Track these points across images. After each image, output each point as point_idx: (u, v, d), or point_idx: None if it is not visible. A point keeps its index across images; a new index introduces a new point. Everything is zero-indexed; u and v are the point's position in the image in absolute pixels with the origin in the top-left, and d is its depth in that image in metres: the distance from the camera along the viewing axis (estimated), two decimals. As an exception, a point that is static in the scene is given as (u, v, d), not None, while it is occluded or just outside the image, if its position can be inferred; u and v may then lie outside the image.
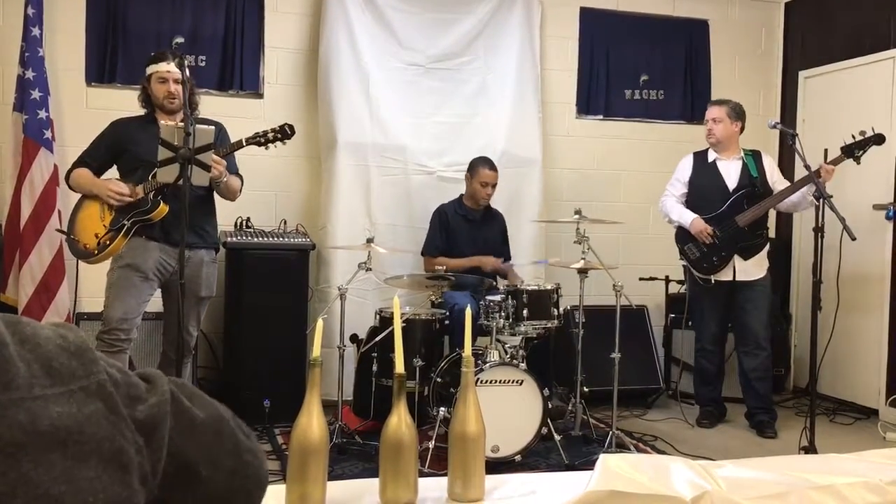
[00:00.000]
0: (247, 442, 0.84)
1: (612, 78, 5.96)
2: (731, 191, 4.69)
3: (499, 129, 5.45)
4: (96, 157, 3.82)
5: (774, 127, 4.36)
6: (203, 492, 0.78)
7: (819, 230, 3.94)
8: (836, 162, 4.31)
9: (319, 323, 1.46)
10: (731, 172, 4.74)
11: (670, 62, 6.06)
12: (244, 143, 3.71)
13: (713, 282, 4.68)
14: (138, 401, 0.71)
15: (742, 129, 4.78)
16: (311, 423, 1.35)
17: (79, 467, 0.63)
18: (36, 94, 4.60)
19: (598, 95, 5.93)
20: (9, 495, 0.59)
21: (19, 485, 0.59)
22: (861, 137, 4.29)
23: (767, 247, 4.79)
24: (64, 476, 0.62)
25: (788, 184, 4.64)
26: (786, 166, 5.66)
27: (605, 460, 1.44)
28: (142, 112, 3.86)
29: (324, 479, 1.36)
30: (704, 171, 4.80)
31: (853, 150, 4.30)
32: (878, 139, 4.29)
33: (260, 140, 3.73)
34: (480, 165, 4.83)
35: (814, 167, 4.11)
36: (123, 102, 4.48)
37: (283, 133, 3.75)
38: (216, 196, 3.94)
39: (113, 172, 3.88)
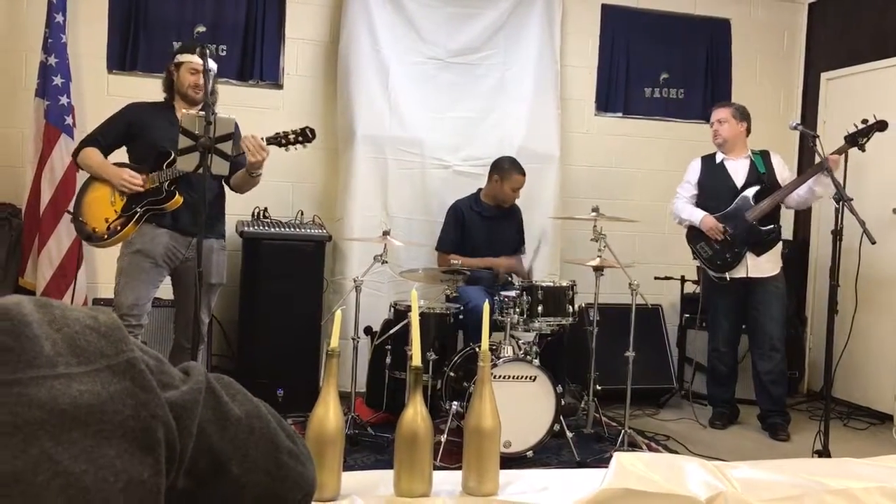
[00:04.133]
0: (289, 445, 0.83)
1: (632, 75, 5.94)
2: (739, 188, 4.70)
3: (517, 124, 5.44)
4: (108, 138, 3.80)
5: (795, 128, 4.35)
6: (233, 489, 0.77)
7: (837, 233, 3.91)
8: (840, 151, 4.34)
9: (338, 314, 1.46)
10: (739, 171, 4.75)
11: (691, 61, 6.03)
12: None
13: (728, 279, 4.67)
14: (170, 387, 0.71)
15: (748, 130, 4.80)
16: (328, 414, 1.35)
17: (100, 446, 0.63)
18: (58, 81, 4.64)
19: (617, 93, 5.91)
20: (30, 472, 0.59)
21: (40, 462, 0.59)
22: (864, 125, 4.28)
23: (780, 245, 4.77)
24: (85, 455, 0.62)
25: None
26: (805, 168, 5.63)
27: (620, 458, 1.44)
28: (160, 98, 3.88)
29: (339, 468, 1.36)
30: (713, 172, 4.81)
31: (856, 139, 4.30)
32: (881, 125, 4.29)
33: (281, 141, 3.72)
34: (513, 170, 4.77)
35: (835, 170, 4.11)
36: (144, 90, 4.50)
37: (304, 136, 3.75)
38: (226, 189, 3.95)
39: (122, 155, 3.87)
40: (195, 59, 3.72)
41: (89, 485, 0.61)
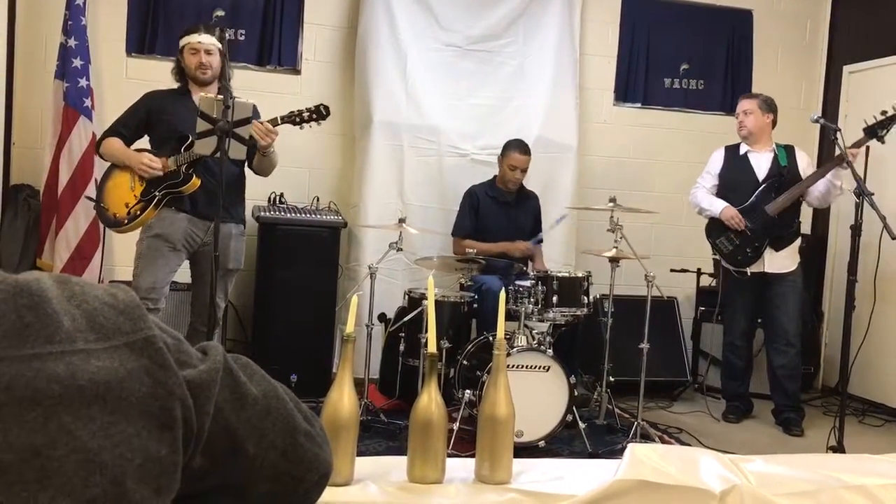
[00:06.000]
0: (305, 426, 0.83)
1: (652, 65, 5.89)
2: (760, 182, 4.65)
3: (535, 113, 5.41)
4: (129, 127, 3.85)
5: (817, 121, 4.32)
6: (249, 468, 0.77)
7: (856, 228, 3.87)
8: (859, 144, 4.28)
9: (355, 299, 1.46)
10: (761, 164, 4.71)
11: (712, 51, 5.98)
12: (279, 122, 3.72)
13: (749, 274, 4.63)
14: (187, 366, 0.71)
15: (774, 123, 4.74)
16: (343, 399, 1.35)
17: (118, 423, 0.63)
18: (77, 63, 4.65)
19: (636, 83, 5.87)
20: (49, 447, 0.59)
21: (59, 437, 0.60)
22: (883, 117, 4.24)
23: (799, 241, 4.73)
24: (103, 431, 0.62)
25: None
26: (826, 161, 5.57)
27: (634, 450, 1.43)
28: (175, 86, 3.89)
29: (353, 454, 1.36)
30: (736, 164, 4.77)
31: (876, 131, 4.24)
32: None
33: (295, 119, 3.73)
34: (511, 148, 4.77)
35: (855, 164, 4.07)
36: (162, 74, 4.49)
37: (319, 113, 3.75)
38: (247, 171, 3.96)
39: (144, 142, 3.90)
40: (192, 39, 3.76)
41: (107, 460, 0.61)
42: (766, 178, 4.64)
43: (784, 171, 4.63)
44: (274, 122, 3.72)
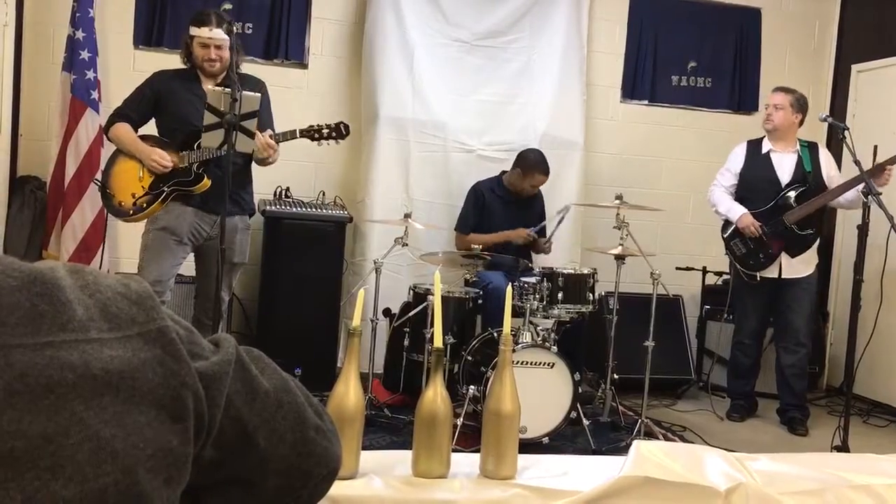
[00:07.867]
0: (316, 421, 0.83)
1: (660, 63, 5.87)
2: (782, 185, 4.57)
3: (541, 110, 5.40)
4: (137, 110, 3.81)
5: (825, 120, 4.26)
6: (259, 461, 0.77)
7: (863, 228, 3.85)
8: (892, 161, 4.18)
9: (361, 293, 1.46)
10: (784, 166, 4.61)
11: (720, 50, 5.96)
12: (298, 135, 3.72)
13: (759, 279, 4.60)
14: (200, 357, 0.71)
15: (801, 123, 4.64)
16: (349, 392, 1.36)
17: (130, 412, 0.63)
18: (84, 55, 4.66)
19: (644, 80, 5.84)
20: (62, 434, 0.59)
21: (71, 425, 0.60)
22: None
23: (817, 244, 4.67)
24: (115, 420, 0.62)
25: (844, 180, 4.53)
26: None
27: (639, 446, 1.44)
28: (183, 67, 3.87)
29: (358, 447, 1.36)
30: (757, 163, 4.67)
31: None
32: None
33: (314, 135, 3.74)
34: (536, 171, 4.70)
35: (863, 163, 4.00)
36: (169, 66, 4.49)
37: (339, 132, 3.77)
38: (252, 163, 3.96)
39: (151, 127, 3.88)
40: (203, 33, 3.70)
41: (119, 449, 0.62)
42: (790, 184, 4.55)
43: (809, 178, 4.54)
44: (292, 134, 3.70)
